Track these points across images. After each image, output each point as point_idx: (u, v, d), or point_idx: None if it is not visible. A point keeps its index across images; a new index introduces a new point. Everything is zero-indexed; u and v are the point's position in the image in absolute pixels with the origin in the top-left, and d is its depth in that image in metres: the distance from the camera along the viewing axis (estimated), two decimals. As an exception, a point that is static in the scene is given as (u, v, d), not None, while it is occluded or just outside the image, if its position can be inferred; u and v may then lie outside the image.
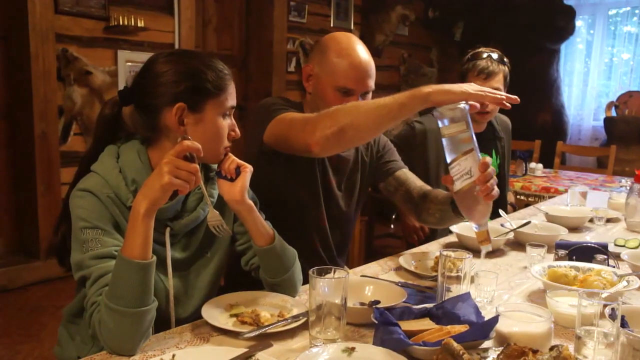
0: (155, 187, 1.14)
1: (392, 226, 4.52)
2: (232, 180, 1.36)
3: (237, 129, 1.40)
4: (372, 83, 1.71)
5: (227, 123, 1.37)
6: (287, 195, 1.75)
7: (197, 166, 1.18)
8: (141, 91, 1.32)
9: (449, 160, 1.37)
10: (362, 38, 5.61)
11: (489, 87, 2.29)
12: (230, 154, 1.38)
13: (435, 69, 6.60)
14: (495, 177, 1.41)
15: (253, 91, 4.99)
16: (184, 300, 1.39)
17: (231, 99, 1.38)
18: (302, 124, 1.54)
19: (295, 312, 1.31)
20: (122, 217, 1.26)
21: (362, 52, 1.70)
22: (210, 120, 1.33)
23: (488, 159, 1.40)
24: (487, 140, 2.55)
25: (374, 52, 5.39)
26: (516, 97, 1.46)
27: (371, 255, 3.50)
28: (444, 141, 1.37)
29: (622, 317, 1.20)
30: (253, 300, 1.37)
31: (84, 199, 1.25)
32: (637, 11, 6.02)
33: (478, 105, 1.38)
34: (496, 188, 1.39)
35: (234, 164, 1.36)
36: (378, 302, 1.31)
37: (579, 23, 6.14)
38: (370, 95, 1.76)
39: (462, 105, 1.34)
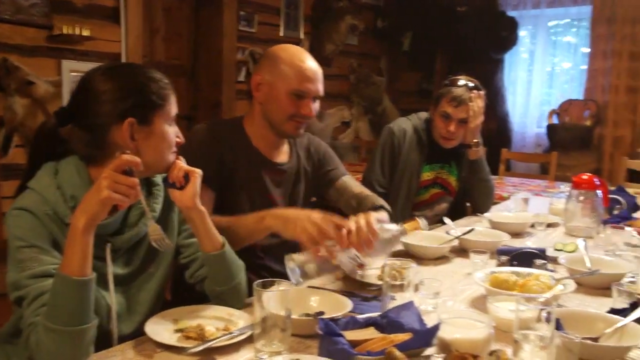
0: (93, 202, 1.13)
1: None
2: (181, 188, 1.35)
3: (181, 135, 1.41)
4: (322, 89, 1.80)
5: (173, 131, 1.37)
6: (232, 213, 1.75)
7: (137, 180, 1.17)
8: (82, 110, 1.30)
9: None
10: (312, 48, 5.68)
11: (457, 115, 2.42)
12: (177, 162, 1.38)
13: (384, 78, 6.69)
14: (361, 229, 1.51)
15: (202, 101, 4.95)
16: (127, 316, 1.37)
17: (174, 107, 1.38)
18: None
19: (241, 325, 1.31)
20: (60, 234, 1.23)
21: (312, 59, 1.80)
22: (160, 131, 1.33)
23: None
24: (448, 153, 2.61)
25: (324, 61, 5.43)
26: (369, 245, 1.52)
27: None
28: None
29: (558, 320, 1.24)
30: (198, 314, 1.36)
31: (20, 218, 1.22)
32: (576, 22, 6.25)
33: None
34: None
35: (181, 171, 1.36)
36: (322, 313, 1.32)
37: (522, 33, 6.33)
38: (318, 102, 1.82)
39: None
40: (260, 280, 1.19)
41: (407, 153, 2.54)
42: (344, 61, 6.19)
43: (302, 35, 5.72)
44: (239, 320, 1.34)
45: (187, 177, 1.36)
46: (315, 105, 1.81)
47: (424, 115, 2.66)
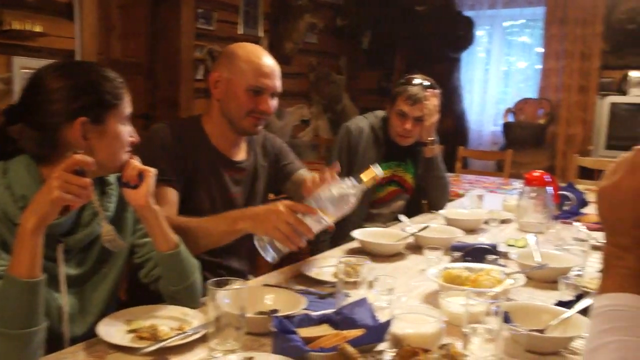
0: (43, 203, 1.11)
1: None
2: (135, 187, 1.34)
3: (135, 134, 1.40)
4: (280, 86, 1.83)
5: (127, 130, 1.36)
6: (192, 212, 1.75)
7: (89, 180, 1.15)
8: (33, 109, 1.28)
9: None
10: (271, 46, 5.68)
11: (412, 113, 2.44)
12: (131, 161, 1.37)
13: (343, 76, 6.72)
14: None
15: (160, 99, 4.90)
16: (80, 317, 1.35)
17: (129, 106, 1.37)
18: None
19: (195, 324, 1.30)
20: (9, 235, 1.21)
21: (269, 56, 1.83)
22: (113, 131, 1.32)
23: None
24: (404, 151, 2.65)
25: (283, 59, 5.43)
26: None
27: (283, 262, 3.50)
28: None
29: (506, 313, 1.28)
30: (152, 314, 1.35)
31: None
32: (531, 23, 6.39)
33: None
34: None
35: (135, 170, 1.35)
36: (277, 310, 1.33)
37: (480, 33, 6.45)
38: (277, 100, 1.84)
39: None
40: (214, 279, 1.19)
41: (364, 151, 2.57)
42: (303, 59, 6.20)
43: (261, 34, 5.71)
44: (194, 319, 1.33)
45: (141, 176, 1.35)
46: (274, 102, 1.83)
47: (380, 113, 2.69)
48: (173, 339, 1.21)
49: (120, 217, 1.44)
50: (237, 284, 1.20)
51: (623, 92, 5.43)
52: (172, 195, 1.73)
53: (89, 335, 1.29)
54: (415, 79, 2.55)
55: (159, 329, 1.25)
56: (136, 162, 1.36)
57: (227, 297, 1.17)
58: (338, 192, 1.52)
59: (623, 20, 5.60)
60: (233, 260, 1.93)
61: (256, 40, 5.60)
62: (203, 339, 1.22)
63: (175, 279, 1.41)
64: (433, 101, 2.52)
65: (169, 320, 1.33)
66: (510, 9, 6.33)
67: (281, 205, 1.50)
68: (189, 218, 1.65)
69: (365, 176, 1.55)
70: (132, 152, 1.39)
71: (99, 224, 1.35)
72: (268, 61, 1.80)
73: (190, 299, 1.43)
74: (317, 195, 1.53)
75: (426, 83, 2.55)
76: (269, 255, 1.52)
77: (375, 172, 1.57)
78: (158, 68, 4.89)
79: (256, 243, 1.53)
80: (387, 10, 6.46)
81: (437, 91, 2.57)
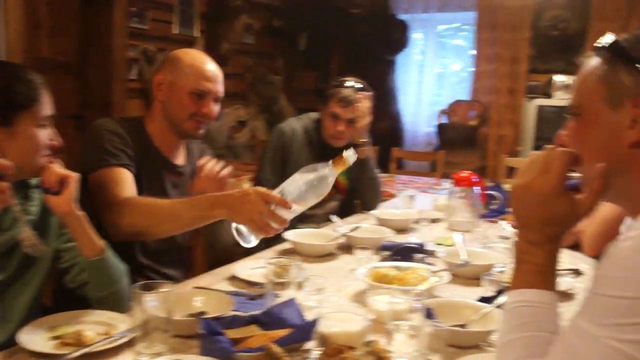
0: (-41, 208, 1.08)
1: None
2: (57, 193, 1.31)
3: (57, 138, 1.36)
4: (222, 91, 1.87)
5: (46, 133, 1.33)
6: None
7: (6, 184, 1.12)
8: None
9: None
10: (208, 46, 5.63)
11: (345, 115, 2.48)
12: (50, 165, 1.33)
13: (280, 77, 6.72)
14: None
15: (92, 99, 4.76)
16: (0, 325, 1.31)
17: (46, 109, 1.33)
18: (113, 202, 1.62)
19: (122, 329, 1.29)
20: None
21: (212, 61, 1.87)
22: (25, 133, 1.29)
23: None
24: (337, 152, 2.66)
25: (220, 60, 5.32)
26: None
27: (219, 264, 3.48)
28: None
29: (429, 310, 1.32)
30: (78, 320, 1.33)
31: None
32: (465, 27, 6.58)
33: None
34: None
35: (54, 176, 1.32)
36: (204, 313, 1.33)
37: (418, 35, 6.60)
38: (219, 105, 1.87)
39: None
40: (141, 283, 1.19)
41: (297, 152, 2.59)
42: (240, 60, 6.17)
43: (197, 34, 5.64)
44: (121, 324, 1.32)
45: (62, 182, 1.32)
46: (216, 107, 1.85)
47: (314, 115, 2.72)
48: (98, 344, 1.19)
49: (45, 221, 1.41)
50: (164, 287, 1.20)
51: (548, 96, 5.68)
52: (131, 177, 1.72)
53: (11, 343, 1.26)
54: (347, 82, 2.60)
55: (84, 335, 1.23)
56: (56, 168, 1.33)
57: (154, 301, 1.16)
58: (311, 180, 1.51)
59: (548, 27, 5.86)
60: (169, 267, 1.93)
61: (192, 40, 5.54)
62: (130, 343, 1.21)
63: (102, 285, 1.39)
64: (365, 103, 2.57)
65: (96, 326, 1.31)
66: (443, 13, 6.50)
67: (254, 195, 1.48)
68: (158, 199, 1.64)
69: (336, 163, 1.55)
70: (53, 156, 1.35)
71: (20, 228, 1.31)
72: (211, 66, 1.85)
73: (118, 304, 1.41)
74: (290, 183, 1.53)
75: (358, 85, 2.59)
76: (246, 241, 1.52)
77: (348, 160, 1.57)
78: (89, 67, 4.76)
79: (233, 232, 1.53)
80: (323, 12, 6.50)
81: (369, 93, 2.62)
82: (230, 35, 5.90)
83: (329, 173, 1.53)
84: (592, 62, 0.93)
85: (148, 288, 1.18)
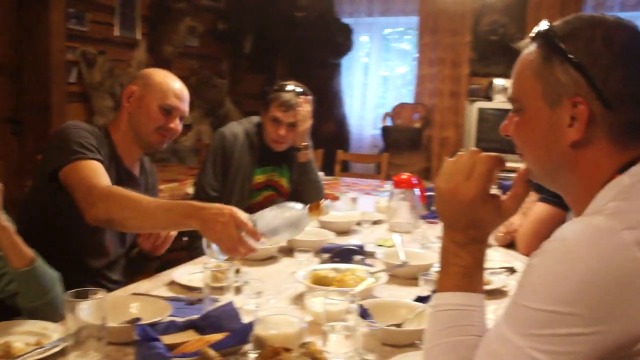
0: None
1: (183, 238, 4.48)
2: None
3: None
4: (187, 111, 1.97)
5: None
6: (72, 220, 1.71)
7: None
8: None
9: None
10: (150, 49, 5.54)
11: (286, 119, 2.50)
12: None
13: (226, 80, 6.68)
14: None
15: (29, 103, 4.61)
16: None
17: None
18: (86, 191, 1.61)
19: (55, 338, 1.26)
20: None
21: (181, 82, 1.98)
22: None
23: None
24: (279, 156, 2.69)
25: (163, 63, 5.30)
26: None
27: (164, 269, 3.44)
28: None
29: (364, 310, 1.35)
30: (7, 330, 1.29)
31: None
32: (409, 31, 6.70)
33: None
34: None
35: None
36: (139, 319, 1.32)
37: (364, 39, 6.67)
38: (182, 124, 1.96)
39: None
40: (73, 290, 1.17)
41: (239, 157, 2.59)
42: (184, 63, 6.09)
43: (139, 36, 5.55)
44: (54, 333, 1.29)
45: None
46: (180, 125, 1.94)
47: (255, 119, 2.73)
48: (29, 354, 1.17)
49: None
50: (96, 295, 1.18)
51: (489, 98, 5.83)
52: (104, 170, 1.72)
53: None
54: (288, 86, 2.61)
55: (12, 346, 1.20)
56: None
57: (87, 308, 1.15)
58: (285, 218, 1.51)
59: (487, 32, 6.03)
60: (115, 272, 1.94)
61: (134, 43, 5.45)
62: (62, 353, 1.19)
63: (34, 295, 1.36)
64: (306, 107, 2.59)
65: (26, 336, 1.28)
66: (387, 17, 6.60)
67: (228, 216, 1.44)
68: (139, 194, 1.64)
69: (312, 210, 1.53)
70: None
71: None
72: (180, 86, 1.96)
73: (50, 314, 1.38)
74: (264, 215, 1.51)
75: (299, 89, 2.61)
76: (216, 256, 1.50)
77: (324, 210, 1.54)
78: (25, 69, 4.61)
79: (205, 248, 1.51)
80: (268, 15, 6.51)
81: (310, 97, 2.64)
82: (174, 38, 5.83)
83: (303, 218, 1.52)
84: (529, 49, 0.93)
85: (81, 295, 1.16)
